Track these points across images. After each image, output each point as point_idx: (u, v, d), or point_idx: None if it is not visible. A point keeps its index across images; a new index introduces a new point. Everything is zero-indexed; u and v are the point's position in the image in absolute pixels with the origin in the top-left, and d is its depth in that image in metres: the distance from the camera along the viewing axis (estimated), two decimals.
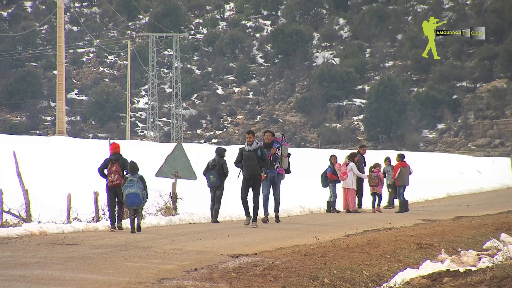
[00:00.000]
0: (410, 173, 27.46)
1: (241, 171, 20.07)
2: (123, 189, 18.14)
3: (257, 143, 19.95)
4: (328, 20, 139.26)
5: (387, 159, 29.05)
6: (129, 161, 18.58)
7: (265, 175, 20.49)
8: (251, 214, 20.16)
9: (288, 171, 21.39)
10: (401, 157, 27.54)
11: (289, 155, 21.37)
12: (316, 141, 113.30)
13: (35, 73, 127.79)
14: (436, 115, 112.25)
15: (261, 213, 21.13)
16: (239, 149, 20.20)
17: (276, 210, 21.37)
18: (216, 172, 20.97)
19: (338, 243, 15.91)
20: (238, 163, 20.10)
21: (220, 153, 21.21)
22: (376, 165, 27.86)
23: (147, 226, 20.02)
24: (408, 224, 21.13)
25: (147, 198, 18.49)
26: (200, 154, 45.77)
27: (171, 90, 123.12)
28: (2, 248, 14.39)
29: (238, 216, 22.89)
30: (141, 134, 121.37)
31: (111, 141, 21.52)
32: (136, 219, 18.16)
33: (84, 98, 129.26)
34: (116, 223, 18.64)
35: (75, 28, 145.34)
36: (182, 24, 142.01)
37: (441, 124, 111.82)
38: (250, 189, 20.13)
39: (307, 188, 38.63)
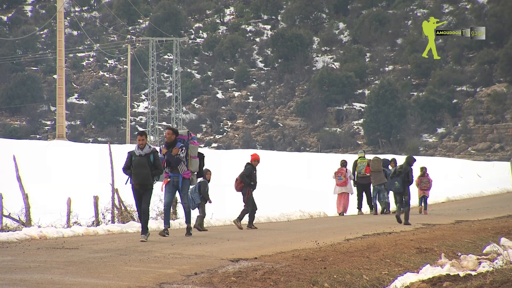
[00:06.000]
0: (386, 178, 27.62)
1: (129, 178, 16.84)
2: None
3: (150, 147, 16.77)
4: (328, 24, 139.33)
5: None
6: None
7: (168, 180, 17.78)
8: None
9: (200, 174, 18.52)
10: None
11: (202, 156, 18.27)
12: (316, 145, 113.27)
13: (35, 77, 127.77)
14: (436, 119, 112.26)
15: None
16: (128, 153, 16.90)
17: (187, 221, 18.18)
18: (401, 179, 22.78)
19: (338, 247, 15.91)
20: (127, 169, 16.82)
21: (410, 161, 22.93)
22: (423, 169, 28.10)
23: None
24: (408, 228, 21.14)
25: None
26: None
27: (171, 94, 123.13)
28: (2, 252, 14.39)
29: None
30: None
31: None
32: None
33: (84, 102, 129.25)
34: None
35: (75, 33, 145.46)
36: (182, 28, 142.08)
37: (441, 128, 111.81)
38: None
39: (307, 190, 38.61)
